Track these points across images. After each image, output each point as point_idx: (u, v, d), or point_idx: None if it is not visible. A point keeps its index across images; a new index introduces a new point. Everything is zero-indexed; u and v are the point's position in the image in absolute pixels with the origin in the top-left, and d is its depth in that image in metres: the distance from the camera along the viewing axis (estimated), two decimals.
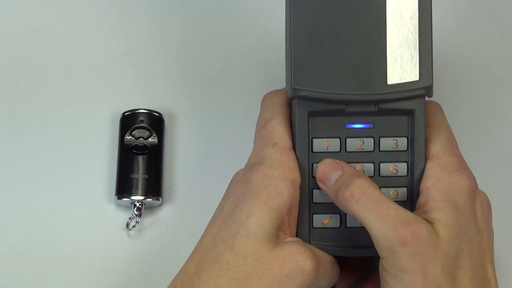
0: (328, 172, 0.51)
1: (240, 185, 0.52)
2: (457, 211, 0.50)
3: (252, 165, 0.52)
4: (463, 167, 0.52)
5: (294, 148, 0.53)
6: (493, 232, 0.54)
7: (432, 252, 0.48)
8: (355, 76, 0.51)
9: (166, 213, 0.61)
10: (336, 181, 0.51)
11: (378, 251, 0.49)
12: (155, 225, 0.61)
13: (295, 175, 0.51)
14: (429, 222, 0.49)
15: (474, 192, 0.52)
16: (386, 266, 0.48)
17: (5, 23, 0.66)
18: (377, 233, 0.48)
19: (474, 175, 0.53)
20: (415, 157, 0.53)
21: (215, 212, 0.53)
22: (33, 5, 0.67)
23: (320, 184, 0.52)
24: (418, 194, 0.52)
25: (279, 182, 0.50)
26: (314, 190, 0.53)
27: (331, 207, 0.53)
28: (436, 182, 0.51)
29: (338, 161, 0.52)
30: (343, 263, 0.55)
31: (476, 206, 0.52)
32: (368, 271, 0.57)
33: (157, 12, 0.67)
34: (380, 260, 0.49)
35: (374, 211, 0.49)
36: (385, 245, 0.48)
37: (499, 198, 0.55)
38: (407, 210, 0.49)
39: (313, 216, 0.53)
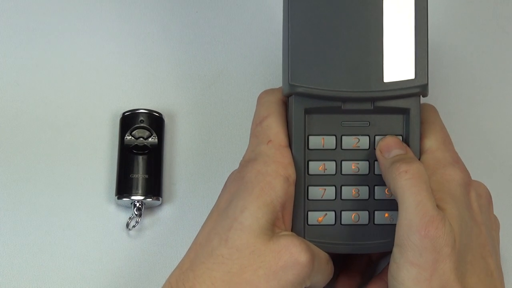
0: (392, 146, 0.52)
1: (235, 182, 0.52)
2: (456, 202, 0.50)
3: (247, 162, 0.52)
4: (456, 161, 0.53)
5: (290, 145, 0.53)
6: (498, 222, 0.55)
7: (448, 250, 0.48)
8: (352, 74, 0.51)
9: (166, 213, 0.61)
10: (396, 155, 0.51)
11: (396, 237, 0.49)
12: (155, 225, 0.61)
13: (290, 172, 0.51)
14: None
15: (468, 185, 0.52)
16: (397, 256, 0.48)
17: (5, 23, 0.66)
18: (404, 217, 0.48)
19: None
20: None
21: (211, 210, 0.53)
22: (33, 5, 0.67)
23: (377, 153, 0.52)
24: None
25: (273, 178, 0.51)
26: (309, 187, 0.53)
27: (326, 204, 0.53)
28: (431, 174, 0.51)
29: (404, 144, 0.52)
30: (344, 268, 0.55)
31: (471, 199, 0.52)
32: (370, 277, 0.57)
33: (157, 12, 0.67)
34: (393, 250, 0.49)
35: (415, 196, 0.48)
36: (405, 231, 0.48)
37: (493, 197, 0.55)
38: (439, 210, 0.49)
39: (308, 213, 0.53)
